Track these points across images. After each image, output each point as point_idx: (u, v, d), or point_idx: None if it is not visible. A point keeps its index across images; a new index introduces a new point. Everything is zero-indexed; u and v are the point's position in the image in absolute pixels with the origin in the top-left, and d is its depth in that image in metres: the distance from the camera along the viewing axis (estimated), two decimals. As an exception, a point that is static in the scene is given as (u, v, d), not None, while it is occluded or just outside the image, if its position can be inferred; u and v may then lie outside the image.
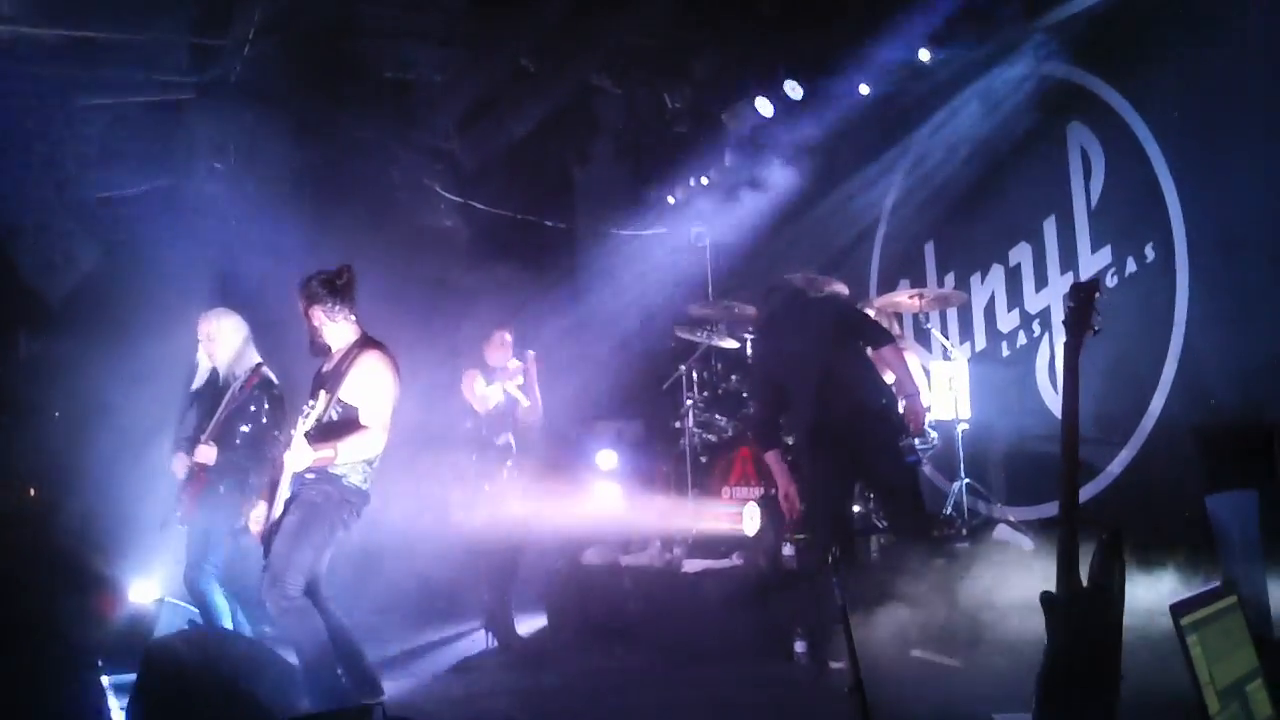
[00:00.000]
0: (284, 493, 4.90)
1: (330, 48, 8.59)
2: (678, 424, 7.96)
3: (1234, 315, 6.40)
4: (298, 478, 4.90)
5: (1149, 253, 6.98)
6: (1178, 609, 2.99)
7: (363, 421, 4.95)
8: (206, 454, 5.79)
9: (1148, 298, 6.95)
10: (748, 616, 6.25)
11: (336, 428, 4.90)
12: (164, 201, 9.04)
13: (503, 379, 7.07)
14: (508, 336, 7.36)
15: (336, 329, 5.19)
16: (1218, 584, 3.42)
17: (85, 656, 5.19)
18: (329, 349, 5.22)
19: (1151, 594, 3.76)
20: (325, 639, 4.82)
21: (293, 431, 4.81)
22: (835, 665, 5.59)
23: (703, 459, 7.72)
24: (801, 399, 5.98)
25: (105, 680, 5.07)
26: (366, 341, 5.17)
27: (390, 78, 9.18)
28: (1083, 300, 4.11)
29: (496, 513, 7.07)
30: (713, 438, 7.88)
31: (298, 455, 4.75)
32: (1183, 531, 5.77)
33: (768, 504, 6.94)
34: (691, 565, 6.97)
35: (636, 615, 6.75)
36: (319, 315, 5.16)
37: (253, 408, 5.93)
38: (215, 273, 8.03)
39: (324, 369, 5.18)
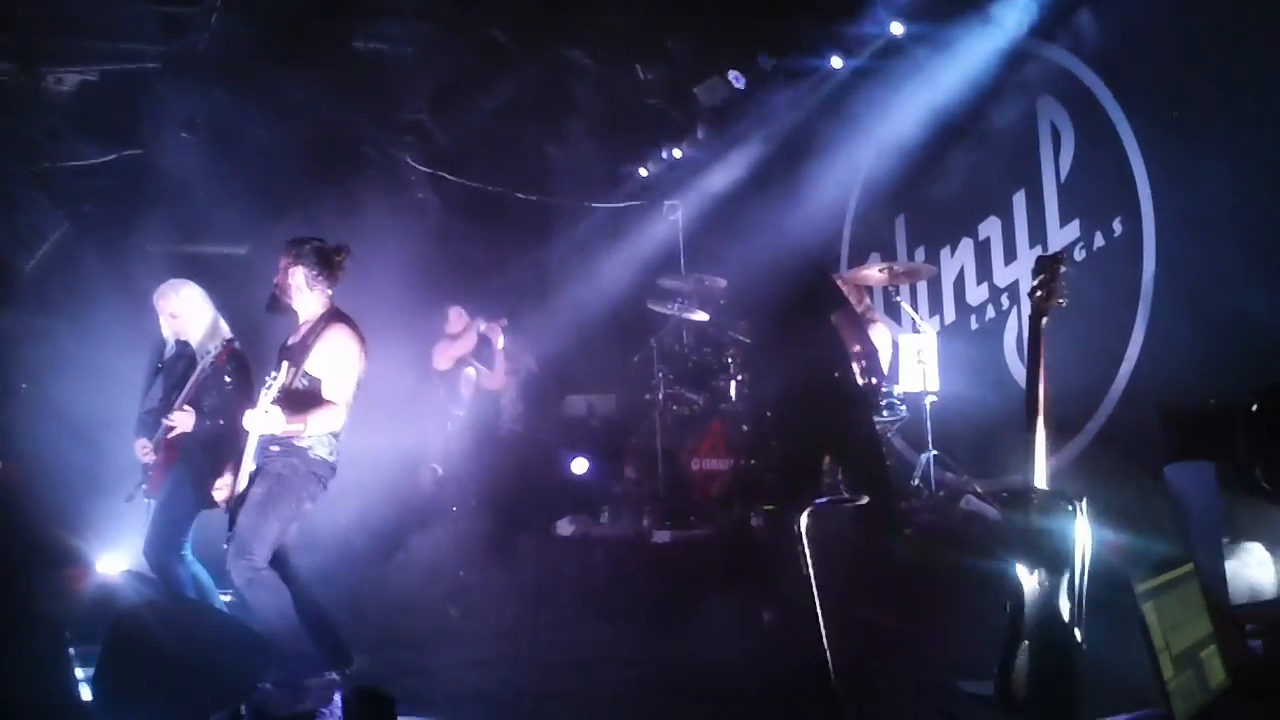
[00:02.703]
0: (249, 464, 4.88)
1: (301, 19, 8.49)
2: (649, 396, 7.97)
3: (1199, 289, 6.46)
4: (263, 449, 4.89)
5: (1117, 227, 7.02)
6: (1135, 577, 3.03)
7: (326, 395, 4.94)
8: (184, 420, 5.68)
9: (1115, 272, 7.00)
10: (717, 586, 6.29)
11: (303, 397, 4.88)
12: (132, 172, 8.95)
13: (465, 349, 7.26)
14: (462, 311, 7.53)
15: (310, 299, 5.15)
16: (1175, 553, 3.46)
17: (53, 630, 5.16)
18: (288, 309, 5.19)
19: (1113, 563, 3.80)
20: (291, 610, 4.81)
21: (251, 404, 4.78)
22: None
23: (674, 431, 7.75)
24: (771, 363, 5.98)
25: (73, 654, 5.05)
26: (334, 315, 5.14)
27: (362, 50, 9.09)
28: (1048, 273, 4.15)
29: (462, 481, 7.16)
30: (684, 410, 7.90)
31: (267, 420, 4.72)
32: (1145, 502, 5.83)
33: (738, 475, 6.99)
34: (661, 536, 7.01)
35: (607, 586, 6.78)
36: (299, 277, 5.11)
37: (220, 381, 5.86)
38: (181, 244, 7.97)
39: (290, 341, 5.16)
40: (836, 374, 5.90)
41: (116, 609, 4.83)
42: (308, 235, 5.25)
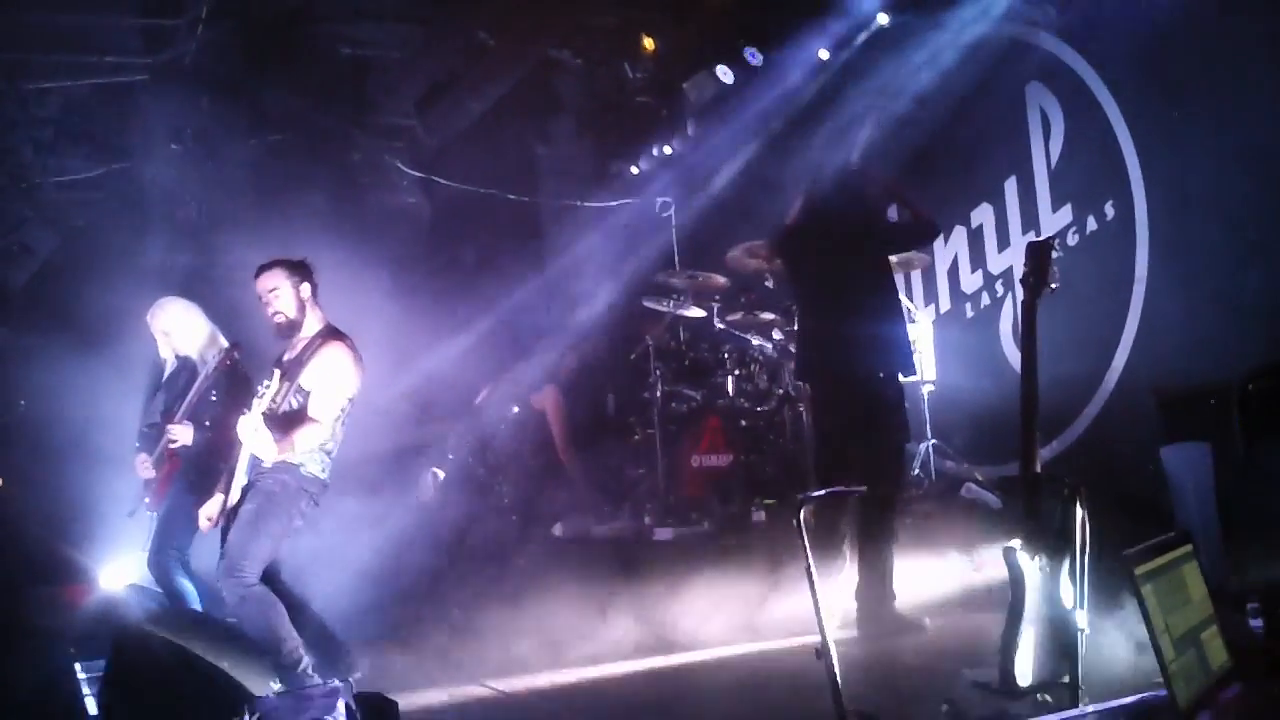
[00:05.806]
0: (240, 480, 4.87)
1: (286, 27, 8.49)
2: (646, 394, 7.97)
3: (1192, 272, 6.47)
4: (255, 465, 4.88)
5: (1109, 211, 7.03)
6: (1131, 559, 3.02)
7: (311, 413, 4.93)
8: (183, 433, 5.67)
9: (1108, 256, 7.01)
10: (719, 581, 6.28)
11: (296, 416, 4.88)
12: (121, 186, 8.93)
13: None
14: None
15: (312, 315, 5.19)
16: (1172, 534, 3.45)
17: (57, 645, 5.16)
18: (295, 330, 5.18)
19: (1113, 547, 3.81)
20: (285, 621, 4.79)
21: (246, 411, 4.77)
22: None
23: (671, 428, 7.74)
24: (813, 336, 5.78)
25: (78, 668, 5.04)
26: (331, 332, 5.16)
27: (348, 56, 9.09)
28: (1039, 258, 4.14)
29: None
30: (681, 407, 7.89)
31: (258, 441, 4.72)
32: (1143, 485, 5.84)
33: (736, 470, 6.99)
34: (662, 533, 7.00)
35: (608, 585, 6.76)
36: (307, 292, 5.16)
37: (220, 389, 5.86)
38: (174, 256, 7.95)
39: (285, 355, 5.16)
40: (871, 365, 5.65)
41: (120, 623, 4.83)
42: (288, 256, 5.25)
